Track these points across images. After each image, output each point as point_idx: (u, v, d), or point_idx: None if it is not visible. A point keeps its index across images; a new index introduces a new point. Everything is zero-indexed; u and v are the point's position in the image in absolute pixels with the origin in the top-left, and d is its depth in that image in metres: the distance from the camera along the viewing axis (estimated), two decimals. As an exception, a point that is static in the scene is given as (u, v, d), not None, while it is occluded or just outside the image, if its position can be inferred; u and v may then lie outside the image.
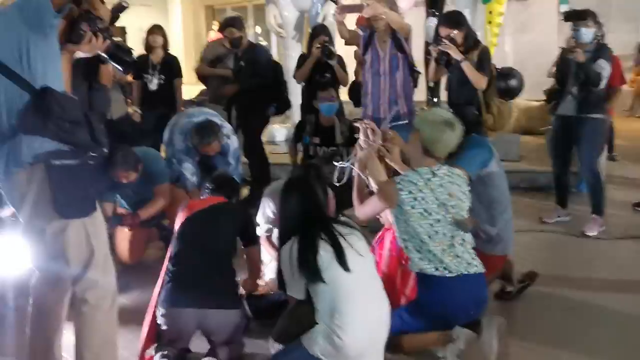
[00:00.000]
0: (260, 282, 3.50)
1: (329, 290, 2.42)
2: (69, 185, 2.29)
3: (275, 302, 3.20)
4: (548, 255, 4.24)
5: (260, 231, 3.55)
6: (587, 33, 4.44)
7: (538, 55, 7.59)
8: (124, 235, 4.04)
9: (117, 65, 3.36)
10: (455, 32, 4.09)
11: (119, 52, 3.31)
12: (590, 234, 4.57)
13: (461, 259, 2.61)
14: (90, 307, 2.41)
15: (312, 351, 2.44)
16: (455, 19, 4.22)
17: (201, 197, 3.19)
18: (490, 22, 6.57)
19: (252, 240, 3.14)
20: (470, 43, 4.16)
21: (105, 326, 2.45)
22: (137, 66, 5.10)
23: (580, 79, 4.50)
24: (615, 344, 3.04)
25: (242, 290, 3.25)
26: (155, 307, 2.82)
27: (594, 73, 4.41)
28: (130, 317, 3.26)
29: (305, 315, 2.54)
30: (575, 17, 4.50)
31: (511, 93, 4.44)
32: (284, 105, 5.62)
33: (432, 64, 4.32)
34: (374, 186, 2.87)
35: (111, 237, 4.30)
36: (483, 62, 4.12)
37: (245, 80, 5.28)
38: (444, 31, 4.13)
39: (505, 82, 4.33)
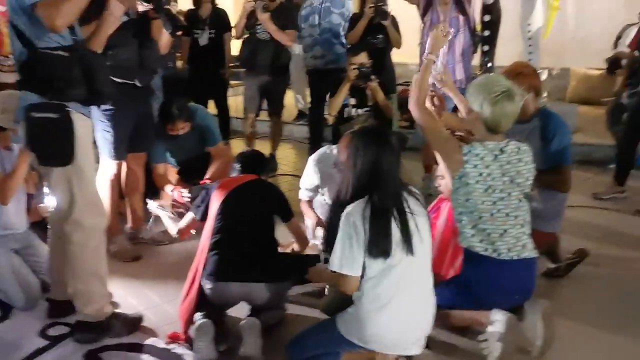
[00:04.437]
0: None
1: (382, 273, 2.20)
2: (46, 138, 2.44)
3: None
4: (600, 233, 4.10)
5: (302, 195, 3.53)
6: None
7: (602, 21, 7.21)
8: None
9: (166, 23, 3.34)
10: None
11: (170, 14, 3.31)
12: (647, 213, 4.41)
13: (517, 241, 2.50)
14: (75, 245, 2.61)
15: (345, 334, 2.26)
16: None
17: (232, 176, 3.14)
18: (554, -16, 6.26)
19: (288, 214, 3.06)
20: None
21: (91, 261, 2.65)
22: (187, 22, 5.02)
23: None
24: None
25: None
26: (195, 277, 2.80)
27: None
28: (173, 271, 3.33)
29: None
30: None
31: None
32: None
33: None
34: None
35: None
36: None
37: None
38: None
39: None
